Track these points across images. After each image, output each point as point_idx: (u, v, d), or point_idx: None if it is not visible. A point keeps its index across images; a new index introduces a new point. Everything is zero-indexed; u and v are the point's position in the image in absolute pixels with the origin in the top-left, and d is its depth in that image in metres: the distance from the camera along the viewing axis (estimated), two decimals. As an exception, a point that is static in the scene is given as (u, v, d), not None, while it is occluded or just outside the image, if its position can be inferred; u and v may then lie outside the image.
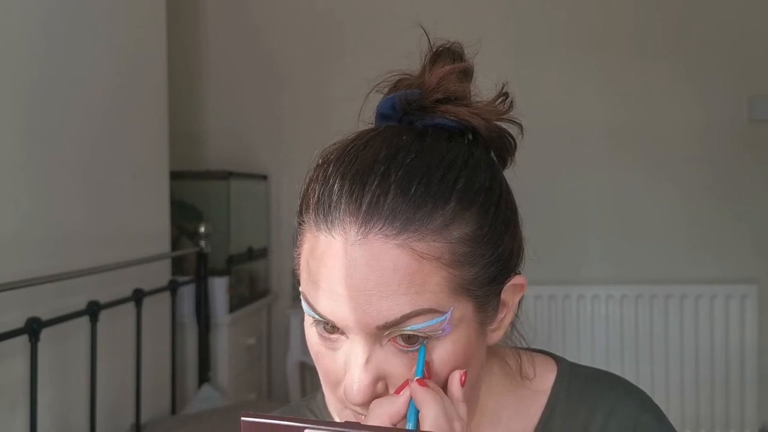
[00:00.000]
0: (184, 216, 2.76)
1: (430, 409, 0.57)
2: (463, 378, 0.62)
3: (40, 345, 1.62)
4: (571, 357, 0.80)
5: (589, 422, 0.73)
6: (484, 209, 0.63)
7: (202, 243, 2.58)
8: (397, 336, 0.61)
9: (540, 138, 2.93)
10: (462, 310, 0.62)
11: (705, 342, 2.97)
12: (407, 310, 0.59)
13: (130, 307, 2.12)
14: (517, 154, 0.72)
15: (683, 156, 3.06)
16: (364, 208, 0.60)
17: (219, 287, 2.69)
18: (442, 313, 0.60)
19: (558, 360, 0.78)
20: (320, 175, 0.64)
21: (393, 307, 0.59)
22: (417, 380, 0.59)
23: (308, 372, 3.10)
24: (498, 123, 0.68)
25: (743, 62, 3.02)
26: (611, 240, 3.11)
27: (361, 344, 0.61)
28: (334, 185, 0.62)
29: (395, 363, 0.61)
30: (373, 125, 0.70)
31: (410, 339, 0.61)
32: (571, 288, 3.04)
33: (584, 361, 0.81)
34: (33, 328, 1.60)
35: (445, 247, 0.60)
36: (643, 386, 0.78)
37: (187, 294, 2.60)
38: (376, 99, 0.70)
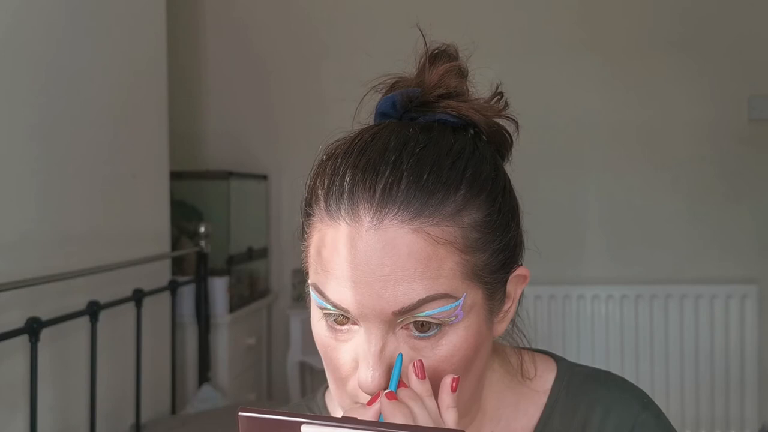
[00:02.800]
0: (184, 216, 2.76)
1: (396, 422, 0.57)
2: (454, 384, 0.61)
3: (40, 345, 1.62)
4: (571, 357, 0.80)
5: (587, 420, 0.73)
6: (492, 197, 0.64)
7: (202, 243, 2.58)
8: (410, 323, 0.61)
9: (540, 137, 2.95)
10: (473, 296, 0.62)
11: (705, 342, 2.97)
12: (423, 294, 0.59)
13: (130, 307, 2.12)
14: (518, 153, 0.73)
15: (683, 156, 3.06)
16: (377, 195, 0.60)
17: (219, 287, 2.69)
18: (456, 298, 0.61)
19: (557, 360, 0.79)
20: (328, 167, 0.64)
21: (409, 292, 0.59)
22: (387, 394, 0.59)
23: (308, 372, 3.10)
24: (495, 120, 0.70)
25: (743, 62, 3.02)
26: (611, 240, 3.11)
27: (375, 333, 0.61)
28: (345, 175, 0.62)
29: (407, 351, 0.61)
30: (372, 124, 0.70)
31: (423, 326, 0.61)
32: (571, 288, 3.04)
33: (584, 361, 0.81)
34: (33, 328, 1.60)
35: (458, 232, 0.61)
36: (643, 386, 0.79)
37: (187, 294, 2.60)
38: (371, 101, 0.71)
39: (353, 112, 0.72)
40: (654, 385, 2.95)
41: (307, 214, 0.66)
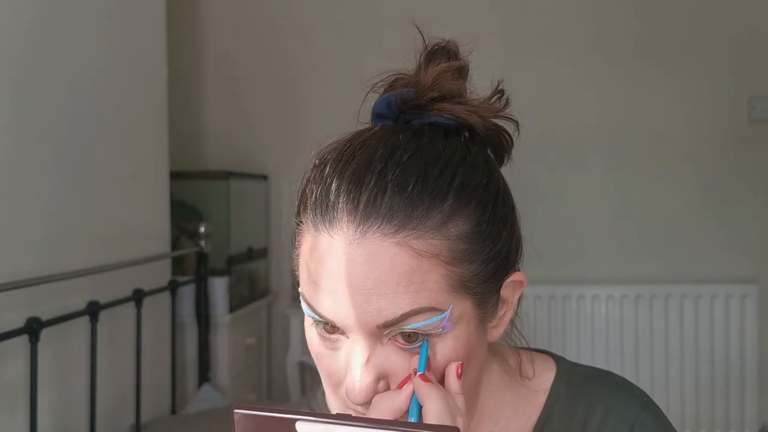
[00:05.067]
0: (184, 216, 2.76)
1: (434, 404, 0.57)
2: (459, 370, 0.62)
3: (40, 345, 1.62)
4: (571, 357, 0.80)
5: (587, 420, 0.73)
6: (482, 206, 0.63)
7: (202, 243, 2.58)
8: (397, 334, 0.61)
9: (539, 138, 2.95)
10: (462, 307, 0.62)
11: (705, 342, 2.97)
12: (407, 308, 0.59)
13: (130, 307, 2.12)
14: (517, 153, 0.72)
15: (683, 156, 3.06)
16: (361, 207, 0.60)
17: (219, 287, 2.69)
18: (442, 311, 0.60)
19: (557, 359, 0.78)
20: (317, 175, 0.64)
21: (392, 306, 0.59)
22: (420, 375, 0.59)
23: (308, 372, 3.10)
24: (494, 120, 0.69)
25: (743, 62, 3.02)
26: (611, 240, 3.11)
27: (362, 343, 0.61)
28: (331, 185, 0.62)
29: (396, 361, 0.61)
30: (370, 125, 0.70)
31: (410, 337, 0.61)
32: (571, 288, 3.04)
33: (584, 360, 0.81)
34: (33, 328, 1.60)
35: (444, 244, 0.60)
36: (643, 386, 0.78)
37: (187, 294, 2.60)
38: (373, 99, 0.70)
39: (352, 111, 0.72)
40: (654, 385, 2.95)
41: (297, 223, 0.66)
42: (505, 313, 0.68)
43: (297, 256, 0.66)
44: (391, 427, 0.48)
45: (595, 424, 0.73)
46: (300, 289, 0.65)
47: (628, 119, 3.08)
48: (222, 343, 2.69)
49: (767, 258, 3.02)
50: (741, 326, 2.96)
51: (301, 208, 0.65)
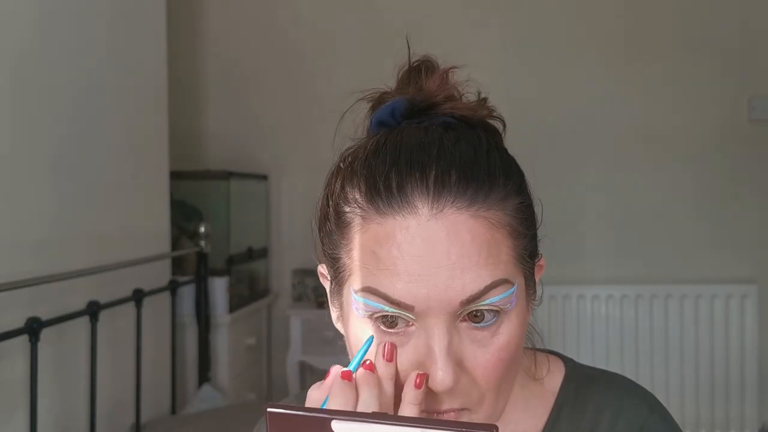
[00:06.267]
0: (184, 216, 2.76)
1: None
2: (418, 380, 0.59)
3: (40, 345, 1.62)
4: (571, 357, 0.80)
5: (596, 423, 0.73)
6: (522, 188, 0.65)
7: (202, 243, 2.58)
8: (467, 315, 0.60)
9: (540, 138, 2.95)
10: (520, 282, 0.63)
11: (705, 342, 2.97)
12: (488, 280, 0.59)
13: (130, 307, 2.12)
14: (517, 153, 0.73)
15: (683, 156, 3.06)
16: (431, 185, 0.60)
17: (219, 287, 2.69)
18: (513, 283, 0.61)
19: (565, 360, 0.78)
20: (358, 168, 0.63)
21: (476, 279, 0.59)
22: (342, 372, 0.58)
23: (308, 372, 3.10)
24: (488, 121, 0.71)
25: (743, 62, 3.02)
26: (611, 240, 3.11)
27: (441, 327, 0.59)
28: (389, 172, 0.61)
29: (468, 342, 0.61)
30: (367, 135, 0.70)
31: (478, 317, 0.61)
32: (571, 288, 3.04)
33: (584, 360, 0.81)
34: (33, 328, 1.60)
35: (507, 217, 0.62)
36: (643, 386, 0.78)
37: (187, 294, 2.60)
38: (354, 115, 0.71)
39: (356, 112, 0.72)
40: (654, 385, 2.95)
41: (341, 221, 0.64)
42: (534, 298, 0.70)
43: (342, 255, 0.64)
44: (428, 426, 0.48)
45: (604, 427, 0.73)
46: (358, 287, 0.62)
47: (628, 119, 3.08)
48: (222, 343, 2.70)
49: (767, 258, 3.02)
50: (741, 326, 2.96)
51: (344, 204, 0.63)
